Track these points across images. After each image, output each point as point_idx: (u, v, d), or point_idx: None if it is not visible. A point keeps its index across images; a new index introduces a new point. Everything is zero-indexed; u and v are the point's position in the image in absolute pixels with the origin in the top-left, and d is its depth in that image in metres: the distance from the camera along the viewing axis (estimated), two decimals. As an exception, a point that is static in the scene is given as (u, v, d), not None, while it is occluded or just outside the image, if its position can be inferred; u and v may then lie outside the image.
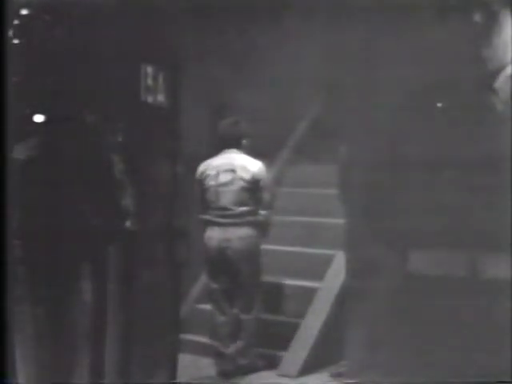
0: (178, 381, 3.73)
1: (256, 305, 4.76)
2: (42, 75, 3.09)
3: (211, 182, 4.73)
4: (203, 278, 5.60)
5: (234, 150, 4.78)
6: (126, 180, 3.30)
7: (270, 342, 4.87)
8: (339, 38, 4.01)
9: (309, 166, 6.10)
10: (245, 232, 4.67)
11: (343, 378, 4.43)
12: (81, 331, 3.19)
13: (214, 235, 4.69)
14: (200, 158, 4.89)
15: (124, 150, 3.32)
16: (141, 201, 3.37)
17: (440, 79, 3.63)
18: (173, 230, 3.64)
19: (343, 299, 4.63)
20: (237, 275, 4.68)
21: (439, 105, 3.80)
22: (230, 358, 4.71)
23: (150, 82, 3.42)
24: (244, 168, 4.70)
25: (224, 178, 4.70)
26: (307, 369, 4.71)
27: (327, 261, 5.19)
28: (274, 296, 5.17)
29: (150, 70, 3.41)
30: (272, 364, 4.82)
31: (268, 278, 5.03)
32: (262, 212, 4.72)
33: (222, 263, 4.68)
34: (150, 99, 3.44)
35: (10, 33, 2.97)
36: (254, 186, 4.69)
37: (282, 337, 4.87)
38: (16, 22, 3.03)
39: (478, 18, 3.54)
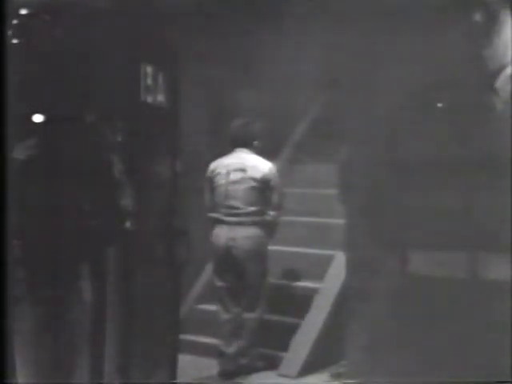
0: (177, 381, 3.72)
1: (260, 304, 4.76)
2: (41, 75, 3.09)
3: (221, 181, 4.74)
4: (203, 278, 5.62)
5: (245, 150, 4.79)
6: (126, 180, 3.30)
7: (270, 342, 4.87)
8: (339, 38, 4.01)
9: (309, 166, 6.09)
10: (252, 231, 4.68)
11: (343, 377, 4.43)
12: (80, 331, 3.18)
13: (222, 233, 4.70)
14: (200, 158, 4.88)
15: (124, 150, 3.31)
16: (140, 201, 3.37)
17: (440, 79, 3.63)
18: (173, 230, 3.64)
19: (343, 299, 4.63)
20: (242, 274, 4.69)
21: (439, 105, 3.80)
22: (231, 358, 4.72)
23: (149, 81, 3.41)
24: (255, 168, 4.71)
25: (234, 176, 4.71)
26: (307, 369, 4.71)
27: (327, 261, 5.19)
28: (274, 296, 5.17)
29: (149, 69, 3.41)
30: (272, 364, 4.82)
31: (268, 278, 5.03)
32: (271, 212, 4.74)
33: (228, 261, 4.69)
34: (149, 99, 3.43)
35: (10, 32, 2.96)
36: (263, 186, 4.70)
37: (282, 337, 4.87)
38: (15, 21, 3.02)
39: (478, 17, 3.54)
